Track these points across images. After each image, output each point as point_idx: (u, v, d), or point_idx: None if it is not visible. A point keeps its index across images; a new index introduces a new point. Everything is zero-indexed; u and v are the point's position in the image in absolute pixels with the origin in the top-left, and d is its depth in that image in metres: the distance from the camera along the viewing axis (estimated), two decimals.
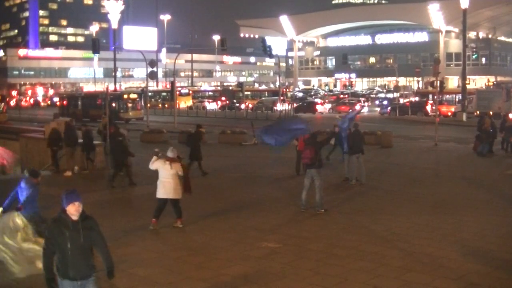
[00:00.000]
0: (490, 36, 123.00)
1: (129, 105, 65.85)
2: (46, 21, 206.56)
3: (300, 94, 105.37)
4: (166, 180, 16.12)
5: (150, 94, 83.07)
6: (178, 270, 12.75)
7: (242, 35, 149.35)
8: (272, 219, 17.16)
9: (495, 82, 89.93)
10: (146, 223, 16.71)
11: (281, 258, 13.42)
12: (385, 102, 79.51)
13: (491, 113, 49.38)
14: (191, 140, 25.88)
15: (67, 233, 8.06)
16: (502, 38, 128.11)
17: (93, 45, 65.05)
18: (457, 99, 68.66)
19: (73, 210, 8.11)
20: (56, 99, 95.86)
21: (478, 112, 56.01)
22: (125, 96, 67.64)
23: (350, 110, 75.39)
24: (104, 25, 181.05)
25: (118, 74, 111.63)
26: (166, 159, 16.19)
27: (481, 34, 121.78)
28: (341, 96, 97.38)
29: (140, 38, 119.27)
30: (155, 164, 16.34)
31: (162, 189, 16.18)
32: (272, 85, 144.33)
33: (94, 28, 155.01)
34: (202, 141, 26.27)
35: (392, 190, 21.97)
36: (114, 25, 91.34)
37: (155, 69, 60.48)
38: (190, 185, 17.12)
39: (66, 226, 8.09)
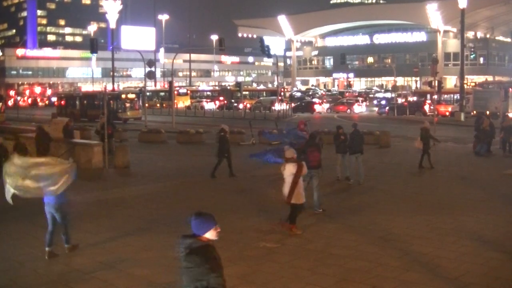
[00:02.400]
0: (488, 36, 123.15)
1: (127, 105, 65.82)
2: (44, 21, 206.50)
3: (298, 94, 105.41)
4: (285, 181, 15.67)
5: (148, 94, 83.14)
6: (177, 270, 12.72)
7: (240, 35, 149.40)
8: (270, 219, 17.16)
9: (477, 83, 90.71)
10: (144, 223, 16.75)
11: (279, 258, 13.43)
12: (383, 102, 79.58)
13: (487, 112, 49.47)
14: (222, 140, 26.06)
15: None
16: (500, 38, 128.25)
17: (91, 45, 65.02)
18: (455, 99, 68.80)
19: (216, 235, 7.01)
20: (54, 99, 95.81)
21: (475, 111, 56.13)
22: (123, 96, 67.62)
23: (348, 111, 75.71)
24: (102, 25, 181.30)
25: (116, 74, 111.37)
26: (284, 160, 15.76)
27: (479, 34, 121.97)
28: (346, 94, 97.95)
29: (138, 38, 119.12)
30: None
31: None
32: (270, 85, 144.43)
33: (92, 28, 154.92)
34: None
35: (390, 190, 21.98)
36: (112, 25, 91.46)
37: (153, 69, 60.67)
38: (292, 192, 15.43)
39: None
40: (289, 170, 15.34)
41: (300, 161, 15.54)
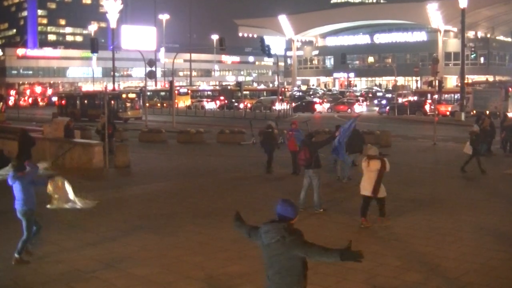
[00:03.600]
0: (488, 35, 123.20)
1: (128, 104, 65.88)
2: (44, 21, 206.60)
3: (299, 94, 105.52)
4: (364, 177, 16.45)
5: (148, 93, 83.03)
6: (177, 269, 12.76)
7: (240, 34, 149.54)
8: (266, 218, 17.12)
9: (467, 83, 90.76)
10: (145, 223, 16.76)
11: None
12: (383, 102, 79.61)
13: (487, 112, 49.51)
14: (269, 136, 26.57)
15: None
16: (501, 38, 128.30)
17: (92, 44, 65.03)
18: (455, 99, 68.82)
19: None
20: (54, 98, 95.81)
21: (474, 111, 56.15)
22: (124, 95, 67.66)
23: (349, 110, 75.67)
24: (103, 24, 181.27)
25: (117, 73, 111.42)
26: (367, 157, 16.36)
27: (480, 34, 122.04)
28: (351, 94, 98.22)
29: (139, 37, 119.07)
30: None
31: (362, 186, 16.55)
32: (270, 85, 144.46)
33: (92, 27, 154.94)
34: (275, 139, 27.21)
35: (391, 190, 21.95)
36: (113, 24, 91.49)
37: (153, 68, 60.50)
38: (378, 186, 16.36)
39: None
40: (374, 166, 16.07)
41: (383, 158, 16.36)
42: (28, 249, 13.63)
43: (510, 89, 59.89)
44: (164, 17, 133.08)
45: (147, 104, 66.03)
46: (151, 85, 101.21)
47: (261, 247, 7.46)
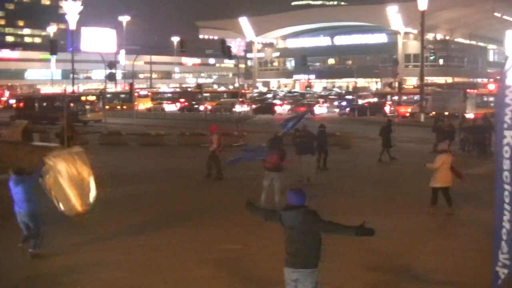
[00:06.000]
0: (448, 37, 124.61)
1: (88, 107, 65.19)
2: (2, 22, 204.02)
3: (259, 96, 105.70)
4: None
5: (108, 96, 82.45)
6: (151, 272, 12.69)
7: (201, 36, 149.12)
8: (236, 220, 17.11)
9: (414, 85, 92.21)
10: (116, 227, 16.63)
11: (243, 260, 13.42)
12: (344, 103, 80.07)
13: (446, 113, 50.15)
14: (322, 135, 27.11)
15: None
16: (460, 40, 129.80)
17: (51, 46, 64.56)
18: (415, 100, 69.49)
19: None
20: (12, 101, 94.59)
21: (434, 112, 56.78)
22: (84, 98, 67.03)
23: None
24: (62, 26, 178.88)
25: (76, 75, 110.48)
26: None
27: (439, 36, 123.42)
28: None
29: (99, 39, 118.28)
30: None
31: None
32: (231, 87, 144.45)
33: (52, 29, 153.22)
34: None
35: (355, 190, 22.13)
36: (72, 26, 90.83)
37: (113, 70, 60.18)
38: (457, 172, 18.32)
39: None
40: (440, 160, 17.80)
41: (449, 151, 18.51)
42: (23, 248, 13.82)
43: (468, 90, 60.75)
44: (124, 18, 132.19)
45: (107, 107, 65.57)
46: (111, 87, 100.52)
47: (282, 228, 8.60)
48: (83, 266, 13.26)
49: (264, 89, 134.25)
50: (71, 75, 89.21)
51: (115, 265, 13.26)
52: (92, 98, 67.59)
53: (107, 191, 22.43)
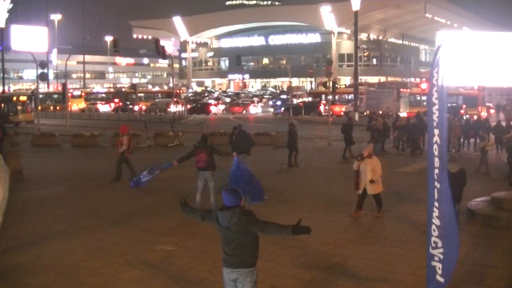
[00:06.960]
0: (380, 37, 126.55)
1: (19, 107, 63.92)
2: None
3: (194, 95, 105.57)
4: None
5: (41, 96, 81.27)
6: (74, 276, 12.47)
7: (135, 36, 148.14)
8: (168, 221, 17.01)
9: (347, 84, 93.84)
10: (36, 230, 16.33)
11: (178, 261, 13.35)
12: (278, 103, 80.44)
13: (380, 112, 50.91)
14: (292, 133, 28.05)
15: None
16: (392, 40, 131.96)
17: None
18: (349, 99, 70.26)
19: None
20: None
21: (368, 111, 57.58)
22: (15, 98, 65.74)
23: (244, 111, 76.13)
24: None
25: (7, 75, 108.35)
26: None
27: (372, 36, 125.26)
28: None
29: (30, 38, 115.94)
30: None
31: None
32: (165, 87, 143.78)
33: None
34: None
35: (287, 190, 22.20)
36: (2, 24, 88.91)
37: (45, 70, 59.25)
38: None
39: None
40: (356, 165, 17.15)
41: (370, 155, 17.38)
42: None
43: (401, 89, 61.79)
44: (56, 17, 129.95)
45: (39, 107, 64.51)
46: (43, 88, 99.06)
47: (218, 229, 8.53)
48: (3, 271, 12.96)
49: (199, 89, 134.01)
50: (1, 75, 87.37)
51: (33, 271, 12.88)
52: (23, 98, 66.28)
53: (32, 194, 22.26)
